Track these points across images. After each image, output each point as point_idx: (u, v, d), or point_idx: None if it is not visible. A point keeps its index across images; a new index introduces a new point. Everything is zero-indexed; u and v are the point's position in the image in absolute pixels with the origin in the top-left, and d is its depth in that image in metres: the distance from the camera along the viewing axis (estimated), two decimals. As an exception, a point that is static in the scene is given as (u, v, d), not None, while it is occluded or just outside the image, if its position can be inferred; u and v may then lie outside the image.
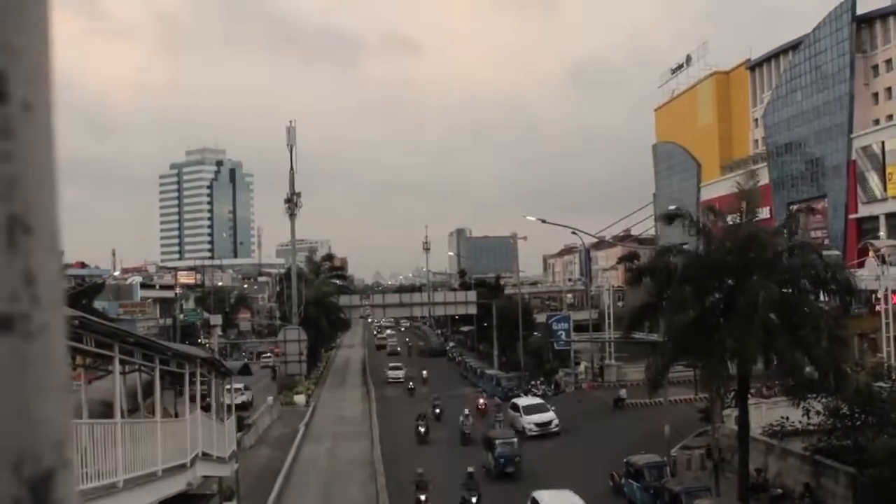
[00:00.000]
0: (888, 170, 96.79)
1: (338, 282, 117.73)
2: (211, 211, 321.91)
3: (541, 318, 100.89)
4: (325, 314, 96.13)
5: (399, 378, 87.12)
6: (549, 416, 57.63)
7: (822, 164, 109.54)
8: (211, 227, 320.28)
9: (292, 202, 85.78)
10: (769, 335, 32.64)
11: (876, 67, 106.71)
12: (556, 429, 56.75)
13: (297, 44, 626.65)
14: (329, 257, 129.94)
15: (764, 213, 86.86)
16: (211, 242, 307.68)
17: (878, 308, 62.09)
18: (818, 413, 37.75)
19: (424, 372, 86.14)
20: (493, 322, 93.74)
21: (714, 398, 40.59)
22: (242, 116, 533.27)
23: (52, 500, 1.01)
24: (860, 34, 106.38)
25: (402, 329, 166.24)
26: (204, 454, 27.01)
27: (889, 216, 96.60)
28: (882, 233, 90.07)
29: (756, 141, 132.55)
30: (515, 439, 47.63)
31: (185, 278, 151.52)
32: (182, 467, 24.16)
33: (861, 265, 68.62)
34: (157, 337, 51.91)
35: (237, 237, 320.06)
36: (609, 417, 61.57)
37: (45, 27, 1.06)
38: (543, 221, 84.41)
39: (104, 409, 21.56)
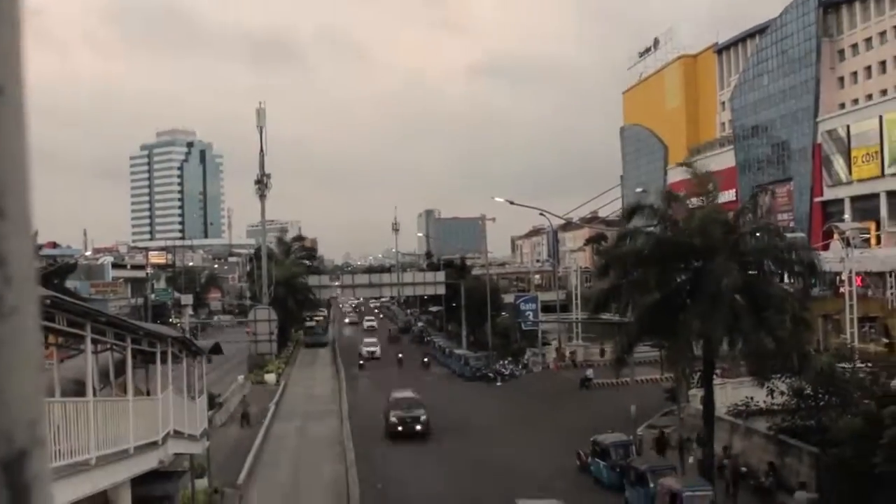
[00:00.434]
0: (853, 153, 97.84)
1: (308, 262, 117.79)
2: (181, 192, 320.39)
3: (509, 298, 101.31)
4: (295, 294, 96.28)
5: (375, 353, 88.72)
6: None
7: (788, 147, 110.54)
8: (181, 207, 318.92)
9: (262, 183, 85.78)
10: (734, 316, 33.11)
11: (842, 52, 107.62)
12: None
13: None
14: (299, 238, 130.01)
15: (730, 195, 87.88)
16: (182, 223, 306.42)
17: (842, 290, 62.89)
18: (782, 393, 38.27)
19: (400, 354, 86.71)
20: (462, 302, 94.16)
21: (679, 378, 41.14)
22: (211, 101, 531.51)
23: (26, 479, 1.00)
24: (826, 18, 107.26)
25: (375, 311, 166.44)
26: (175, 432, 27.19)
27: (854, 199, 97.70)
28: (847, 215, 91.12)
29: (723, 124, 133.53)
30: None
31: (156, 258, 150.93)
32: (154, 445, 24.33)
33: (826, 248, 69.42)
34: (128, 316, 51.93)
35: (207, 218, 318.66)
36: (576, 397, 62.15)
37: (16, 11, 1.05)
38: (512, 203, 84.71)
39: (76, 388, 21.71)
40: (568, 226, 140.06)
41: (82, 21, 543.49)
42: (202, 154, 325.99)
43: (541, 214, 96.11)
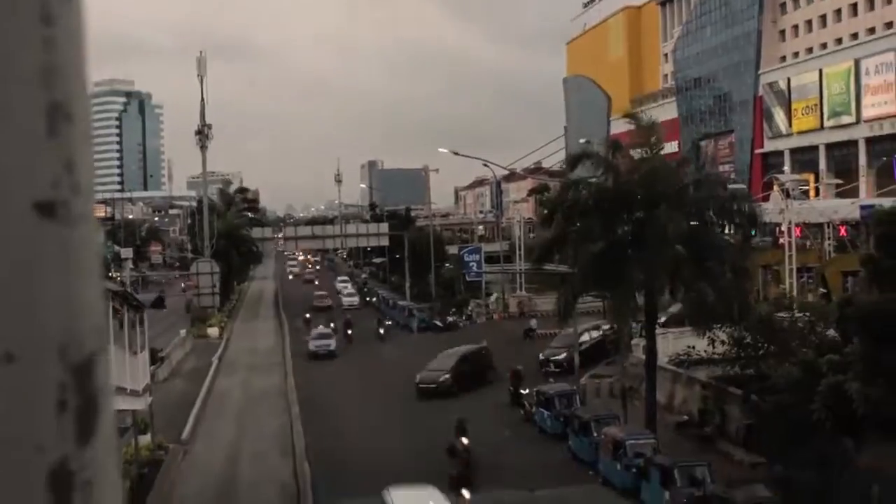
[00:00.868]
0: (793, 106, 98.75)
1: (250, 214, 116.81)
2: (120, 143, 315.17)
3: (452, 249, 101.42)
4: (238, 247, 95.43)
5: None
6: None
7: (729, 99, 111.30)
8: (120, 159, 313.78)
9: (203, 134, 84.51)
10: (676, 266, 33.39)
11: (783, 5, 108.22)
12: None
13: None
14: (242, 190, 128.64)
15: (672, 146, 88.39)
16: (121, 175, 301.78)
17: (781, 241, 63.61)
18: (723, 342, 38.72)
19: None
20: (405, 254, 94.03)
21: (622, 328, 41.52)
22: (150, 47, 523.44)
23: (95, 384, 1.03)
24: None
25: (315, 262, 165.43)
26: (117, 388, 26.97)
27: (794, 151, 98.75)
28: (787, 167, 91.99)
29: (666, 76, 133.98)
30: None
31: (95, 211, 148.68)
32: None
33: (766, 199, 70.15)
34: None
35: (147, 170, 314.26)
36: (520, 347, 62.41)
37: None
38: (455, 154, 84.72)
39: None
40: (511, 176, 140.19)
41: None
42: (141, 105, 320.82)
43: (484, 165, 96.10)
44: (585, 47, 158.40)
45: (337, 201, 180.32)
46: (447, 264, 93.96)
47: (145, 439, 35.96)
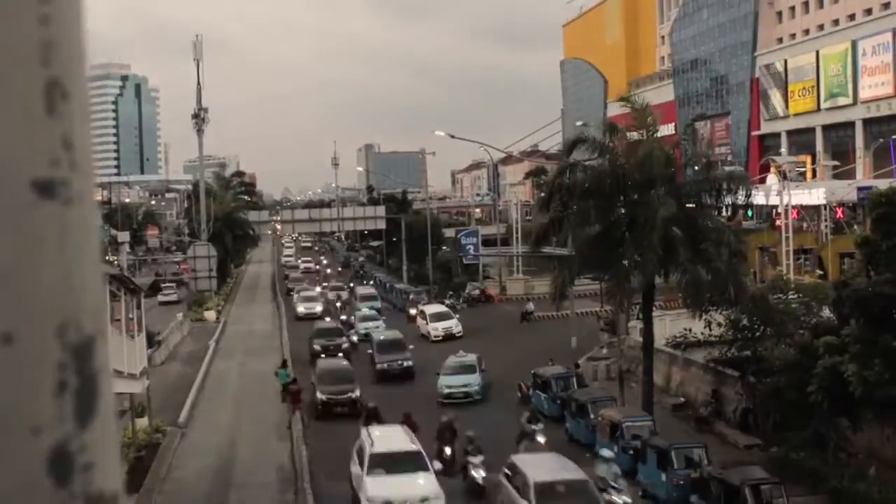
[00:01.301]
0: (790, 87, 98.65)
1: (247, 198, 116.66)
2: (116, 127, 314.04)
3: (449, 232, 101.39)
4: (234, 230, 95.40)
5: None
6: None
7: (726, 81, 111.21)
8: (117, 143, 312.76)
9: (199, 118, 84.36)
10: (671, 249, 33.39)
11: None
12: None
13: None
14: (239, 174, 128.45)
15: (669, 129, 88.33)
16: (117, 159, 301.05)
17: (778, 223, 63.66)
18: (719, 325, 38.74)
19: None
20: (402, 237, 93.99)
21: (618, 310, 41.55)
22: (145, 30, 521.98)
23: (94, 365, 1.02)
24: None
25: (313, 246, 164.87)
26: (114, 371, 26.99)
27: (790, 133, 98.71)
28: (783, 149, 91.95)
29: (662, 58, 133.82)
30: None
31: (95, 190, 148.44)
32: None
33: (763, 181, 70.13)
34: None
35: (143, 153, 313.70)
36: (517, 329, 62.50)
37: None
38: (452, 136, 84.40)
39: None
40: (508, 159, 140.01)
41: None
42: (137, 88, 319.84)
43: (482, 147, 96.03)
44: (582, 29, 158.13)
45: (334, 184, 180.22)
46: (444, 247, 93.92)
47: (142, 422, 35.99)
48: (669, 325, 44.83)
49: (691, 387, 40.85)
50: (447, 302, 72.12)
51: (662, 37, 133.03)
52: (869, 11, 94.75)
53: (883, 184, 47.58)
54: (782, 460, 29.71)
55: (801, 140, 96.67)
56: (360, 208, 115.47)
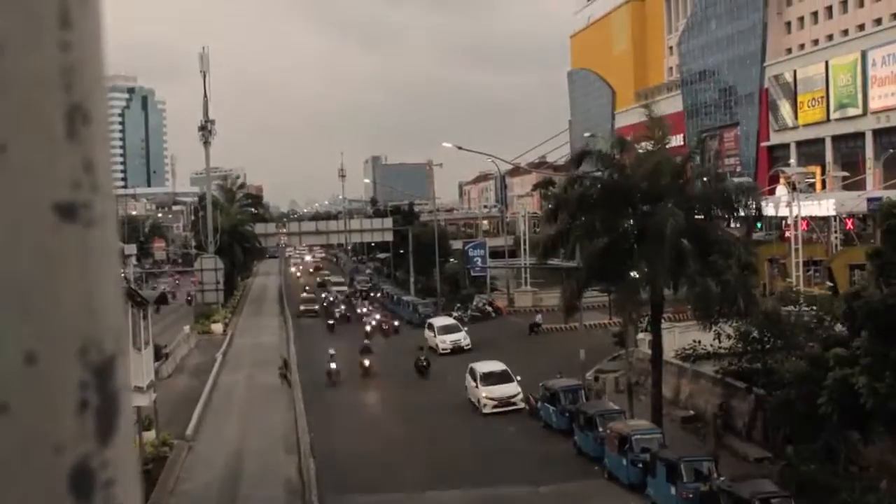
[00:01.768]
0: (799, 98, 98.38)
1: (253, 210, 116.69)
2: (123, 139, 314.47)
3: (457, 244, 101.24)
4: (241, 242, 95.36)
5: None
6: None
7: (735, 92, 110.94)
8: (123, 155, 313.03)
9: (206, 130, 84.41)
10: (680, 261, 33.21)
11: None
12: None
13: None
14: (245, 186, 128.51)
15: (677, 140, 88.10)
16: (124, 171, 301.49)
17: (787, 234, 63.40)
18: (729, 337, 38.56)
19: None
20: (409, 249, 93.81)
21: (627, 323, 41.35)
22: (153, 42, 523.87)
23: (115, 384, 1.03)
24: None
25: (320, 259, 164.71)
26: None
27: (800, 144, 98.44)
28: (793, 160, 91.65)
29: (671, 68, 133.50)
30: None
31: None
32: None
33: (772, 192, 69.86)
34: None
35: (150, 166, 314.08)
36: (525, 342, 62.30)
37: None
38: (460, 148, 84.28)
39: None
40: (516, 171, 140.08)
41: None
42: (144, 100, 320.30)
43: (489, 159, 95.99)
44: (589, 40, 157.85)
45: (341, 196, 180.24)
46: (451, 259, 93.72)
47: (150, 435, 35.84)
48: (678, 337, 44.64)
49: (700, 399, 40.60)
50: (454, 314, 71.91)
51: (671, 47, 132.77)
52: (879, 21, 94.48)
53: (893, 195, 47.28)
54: (793, 473, 29.47)
55: (811, 151, 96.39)
56: (368, 220, 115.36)
